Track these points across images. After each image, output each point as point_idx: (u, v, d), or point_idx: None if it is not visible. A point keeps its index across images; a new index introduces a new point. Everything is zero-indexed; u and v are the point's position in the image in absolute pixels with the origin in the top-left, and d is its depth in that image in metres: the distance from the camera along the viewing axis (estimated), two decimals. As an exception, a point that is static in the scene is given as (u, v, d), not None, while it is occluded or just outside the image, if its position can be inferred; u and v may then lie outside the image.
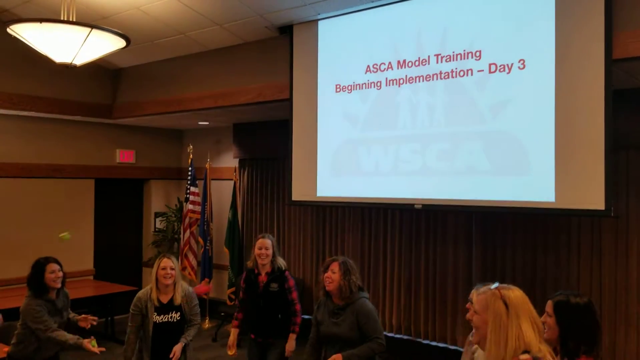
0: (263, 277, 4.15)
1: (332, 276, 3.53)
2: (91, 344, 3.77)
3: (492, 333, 2.11)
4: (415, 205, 5.23)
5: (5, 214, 6.98)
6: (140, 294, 4.04)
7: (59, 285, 3.92)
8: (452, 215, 5.89)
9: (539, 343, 2.10)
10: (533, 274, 5.36)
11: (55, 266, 3.91)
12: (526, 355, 2.02)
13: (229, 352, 4.19)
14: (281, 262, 4.20)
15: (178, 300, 3.97)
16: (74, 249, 7.65)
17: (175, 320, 3.94)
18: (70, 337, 3.80)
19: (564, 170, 4.36)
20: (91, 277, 7.81)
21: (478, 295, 2.24)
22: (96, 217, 7.98)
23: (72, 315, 4.10)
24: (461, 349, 5.76)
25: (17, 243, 6.97)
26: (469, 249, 5.82)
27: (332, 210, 6.94)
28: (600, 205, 4.17)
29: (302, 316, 4.32)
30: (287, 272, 4.20)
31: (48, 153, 7.41)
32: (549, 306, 2.44)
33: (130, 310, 4.01)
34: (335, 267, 3.55)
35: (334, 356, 3.40)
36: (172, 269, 3.96)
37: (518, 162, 4.63)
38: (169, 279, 3.93)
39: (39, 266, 3.89)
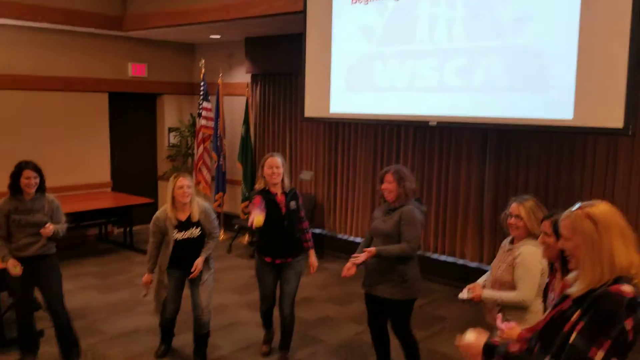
0: (281, 197, 4.05)
1: (389, 187, 3.65)
2: (14, 269, 3.88)
3: (585, 256, 1.90)
4: (430, 122, 5.20)
5: (21, 127, 7.04)
6: (158, 214, 4.10)
7: (32, 190, 4.00)
8: (467, 132, 5.86)
9: (636, 259, 1.88)
10: (545, 192, 5.39)
11: (31, 173, 3.99)
12: (630, 288, 1.81)
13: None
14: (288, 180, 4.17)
15: (196, 216, 4.04)
16: (91, 161, 7.77)
17: (195, 235, 4.04)
18: None
19: (584, 87, 4.27)
20: (109, 189, 7.98)
21: (562, 220, 2.01)
22: (111, 131, 8.03)
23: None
24: (470, 264, 5.94)
25: (32, 157, 7.03)
26: (482, 166, 5.83)
27: (345, 127, 6.92)
28: (619, 124, 4.11)
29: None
30: (296, 190, 4.21)
31: (61, 66, 7.35)
32: (546, 226, 2.46)
33: (150, 228, 4.11)
34: (389, 177, 3.65)
35: (367, 249, 3.63)
36: (188, 187, 4.00)
37: (538, 78, 4.53)
38: (187, 197, 3.99)
39: (18, 169, 4.02)
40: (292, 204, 4.09)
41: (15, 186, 3.98)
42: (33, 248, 4.01)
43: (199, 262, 3.98)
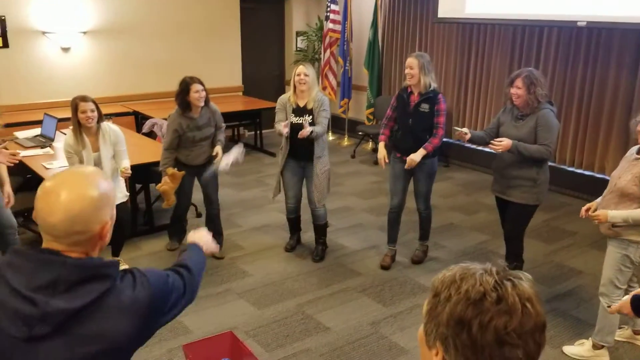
0: (415, 97, 4.06)
1: (518, 92, 3.53)
2: (176, 174, 4.19)
3: None
4: (579, 23, 4.71)
5: (158, 32, 7.41)
6: (282, 96, 4.36)
7: (202, 104, 4.22)
8: (618, 35, 5.24)
9: None
10: None
11: (199, 86, 4.17)
12: None
13: (382, 166, 4.25)
14: (432, 83, 4.05)
15: (311, 104, 4.21)
16: (224, 65, 8.07)
17: (307, 122, 4.21)
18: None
19: None
20: (240, 93, 8.30)
21: None
22: (242, 35, 8.21)
23: (220, 136, 4.39)
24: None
25: (169, 59, 7.47)
26: (634, 74, 5.24)
27: (479, 29, 6.49)
28: None
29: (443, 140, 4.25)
30: (440, 95, 4.07)
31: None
32: None
33: (276, 109, 4.35)
34: (519, 82, 3.52)
35: (503, 139, 3.54)
36: (305, 75, 4.15)
37: None
38: (304, 84, 4.14)
39: (185, 85, 4.18)
40: (424, 106, 4.05)
41: (184, 102, 4.17)
42: (202, 158, 4.37)
43: (304, 131, 4.04)
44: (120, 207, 4.10)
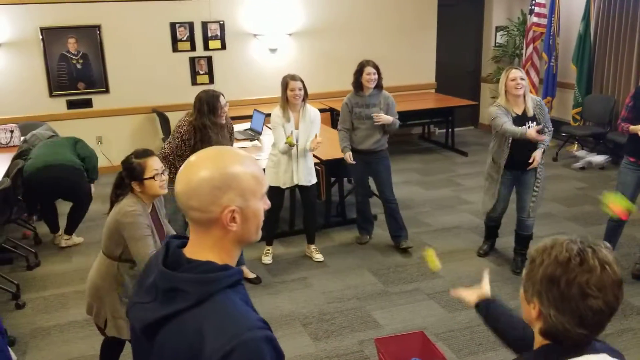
0: None
1: None
2: (349, 159, 4.26)
3: None
4: None
5: (357, 31, 7.59)
6: (493, 104, 4.03)
7: (372, 86, 4.32)
8: None
9: None
10: None
11: (371, 69, 4.30)
12: None
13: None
14: None
15: (531, 111, 3.90)
16: (417, 62, 8.02)
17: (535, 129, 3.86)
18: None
19: None
20: (433, 91, 8.18)
21: None
22: (438, 30, 8.06)
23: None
24: None
25: (365, 57, 7.55)
26: None
27: None
28: None
29: None
30: None
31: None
32: None
33: (496, 114, 4.00)
34: None
35: None
36: (522, 79, 3.86)
37: None
38: (520, 89, 3.85)
39: (360, 66, 4.36)
40: None
41: (357, 82, 4.38)
42: (368, 142, 4.40)
43: (537, 154, 3.88)
44: (309, 190, 4.36)
